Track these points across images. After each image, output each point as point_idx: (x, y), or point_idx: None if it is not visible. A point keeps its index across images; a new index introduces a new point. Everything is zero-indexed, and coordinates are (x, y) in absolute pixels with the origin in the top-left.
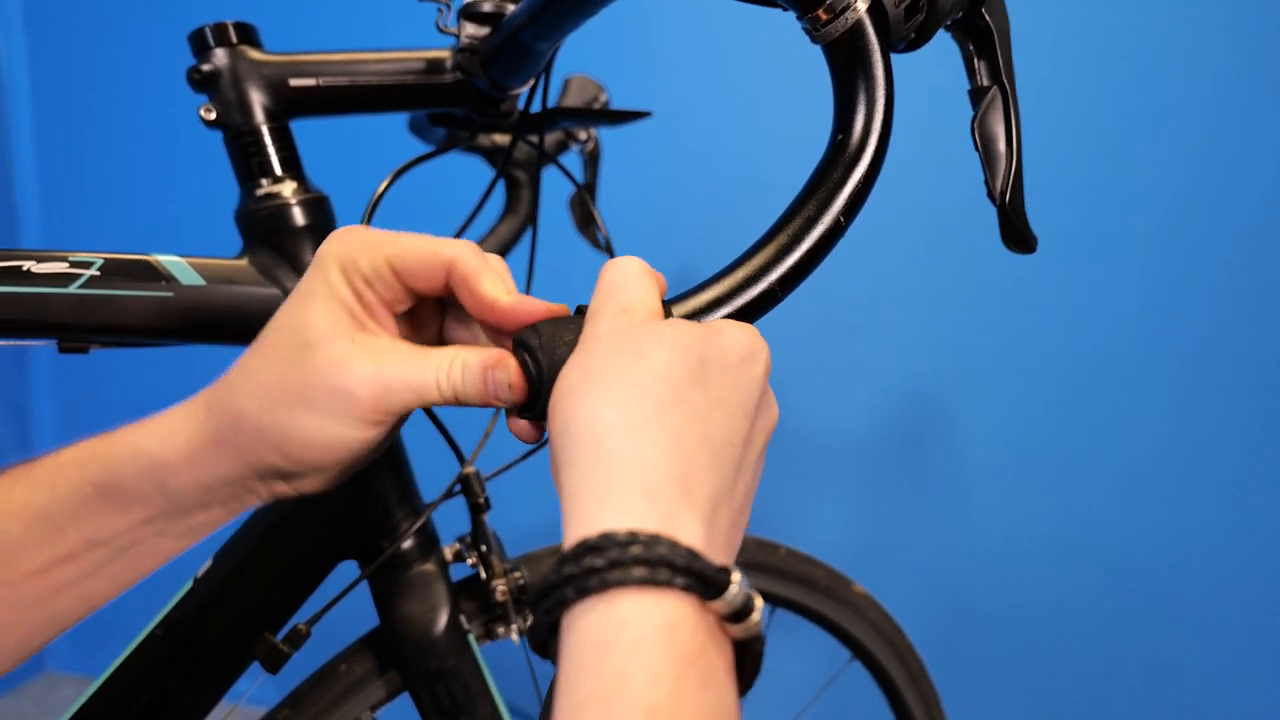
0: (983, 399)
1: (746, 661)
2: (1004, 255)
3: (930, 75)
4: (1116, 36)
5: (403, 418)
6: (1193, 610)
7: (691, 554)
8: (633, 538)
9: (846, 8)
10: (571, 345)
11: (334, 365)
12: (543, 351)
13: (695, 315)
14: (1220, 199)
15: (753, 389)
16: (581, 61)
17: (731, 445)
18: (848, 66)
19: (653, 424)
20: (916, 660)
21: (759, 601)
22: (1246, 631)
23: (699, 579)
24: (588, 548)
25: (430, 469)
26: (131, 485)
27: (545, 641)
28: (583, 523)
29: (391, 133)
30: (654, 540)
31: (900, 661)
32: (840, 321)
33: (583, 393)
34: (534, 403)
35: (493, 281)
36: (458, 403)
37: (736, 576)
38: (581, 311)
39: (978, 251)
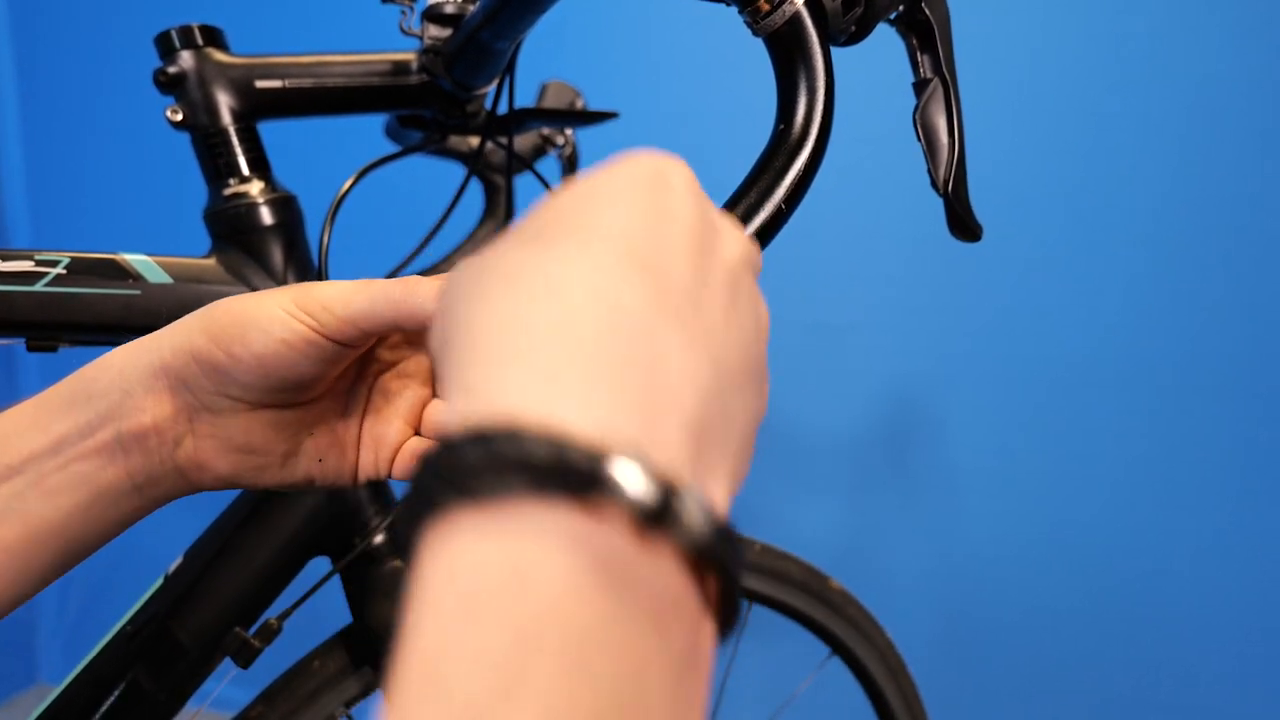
0: (971, 402)
1: (713, 587)
2: (993, 257)
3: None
4: (1103, 39)
5: (339, 348)
6: (1182, 611)
7: (554, 441)
8: (483, 433)
9: (784, 0)
10: None
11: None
12: None
13: None
14: (1208, 202)
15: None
16: (560, 67)
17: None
18: (788, 58)
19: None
20: (895, 655)
21: (692, 487)
22: (1237, 632)
23: (557, 475)
24: (452, 444)
25: None
26: (61, 397)
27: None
28: (463, 396)
29: (361, 133)
30: (505, 434)
31: (879, 657)
32: (828, 324)
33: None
34: None
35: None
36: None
37: (627, 454)
38: None
39: (965, 254)
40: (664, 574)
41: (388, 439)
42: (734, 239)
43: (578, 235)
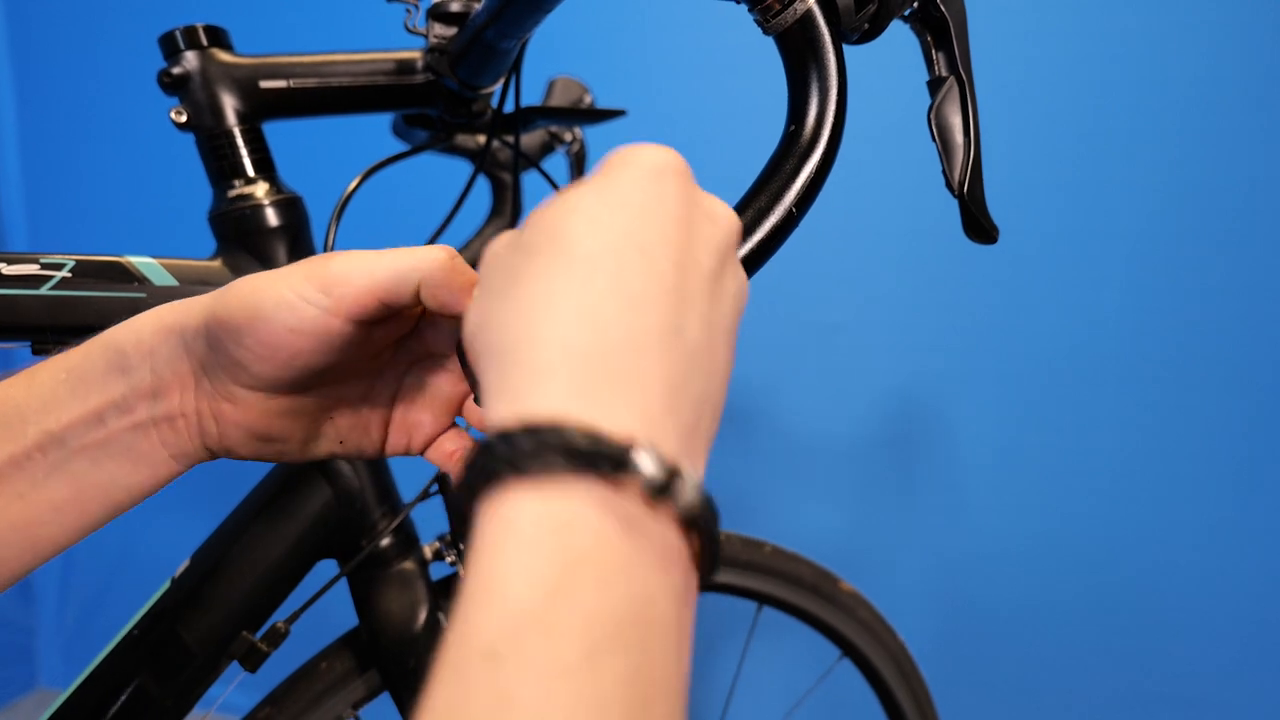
0: (973, 399)
1: (698, 543)
2: (992, 254)
3: (913, 74)
4: (1100, 35)
5: (357, 325)
6: (1184, 606)
7: (590, 436)
8: (533, 428)
9: None
10: None
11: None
12: None
13: None
14: (1205, 198)
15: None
16: (571, 65)
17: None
18: (799, 57)
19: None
20: (907, 657)
21: (689, 471)
22: (1236, 626)
23: (592, 460)
24: (508, 434)
25: (409, 468)
26: (97, 369)
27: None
28: (510, 399)
29: (367, 133)
30: (551, 429)
31: (890, 658)
32: (830, 323)
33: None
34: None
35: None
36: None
37: (644, 447)
38: None
39: (966, 251)
40: (665, 531)
41: (423, 428)
42: (720, 218)
43: (593, 256)
